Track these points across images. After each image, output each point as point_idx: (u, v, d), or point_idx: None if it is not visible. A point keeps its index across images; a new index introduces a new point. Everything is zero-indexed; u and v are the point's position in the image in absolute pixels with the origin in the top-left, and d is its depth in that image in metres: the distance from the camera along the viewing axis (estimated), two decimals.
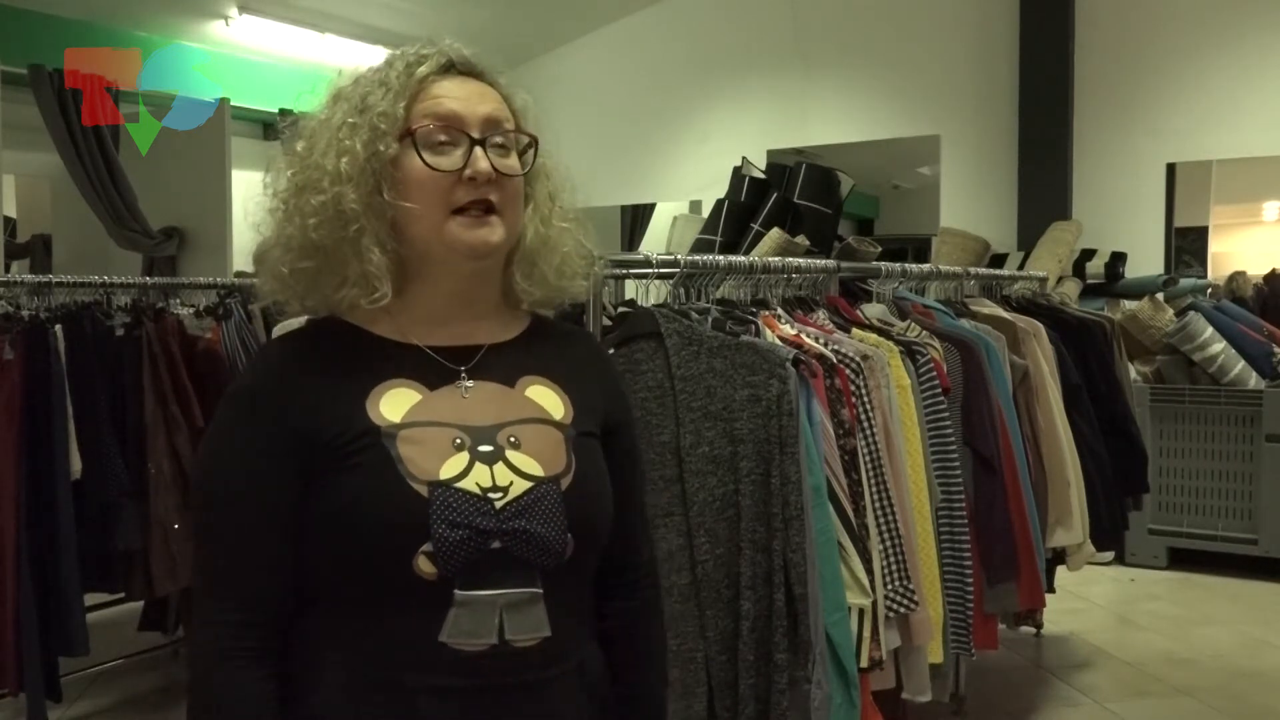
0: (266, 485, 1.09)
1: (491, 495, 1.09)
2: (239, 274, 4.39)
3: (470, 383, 1.16)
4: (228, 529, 1.10)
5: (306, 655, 1.11)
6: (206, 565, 1.11)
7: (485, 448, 1.11)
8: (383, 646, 1.09)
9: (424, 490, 1.07)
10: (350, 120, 1.13)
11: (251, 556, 1.09)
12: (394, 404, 1.12)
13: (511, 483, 1.10)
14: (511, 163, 1.16)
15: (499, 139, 1.16)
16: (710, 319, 2.20)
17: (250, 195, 1.21)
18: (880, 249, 3.70)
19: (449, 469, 1.09)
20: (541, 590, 1.10)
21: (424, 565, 1.06)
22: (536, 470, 1.12)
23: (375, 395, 1.12)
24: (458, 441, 1.11)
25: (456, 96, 1.15)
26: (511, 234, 1.17)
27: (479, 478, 1.09)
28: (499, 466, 1.11)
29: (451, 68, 1.17)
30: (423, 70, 1.15)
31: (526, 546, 1.09)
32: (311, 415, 1.10)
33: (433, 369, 1.15)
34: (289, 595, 1.11)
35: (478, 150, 1.13)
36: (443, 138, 1.13)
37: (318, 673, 1.10)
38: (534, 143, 1.19)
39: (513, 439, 1.13)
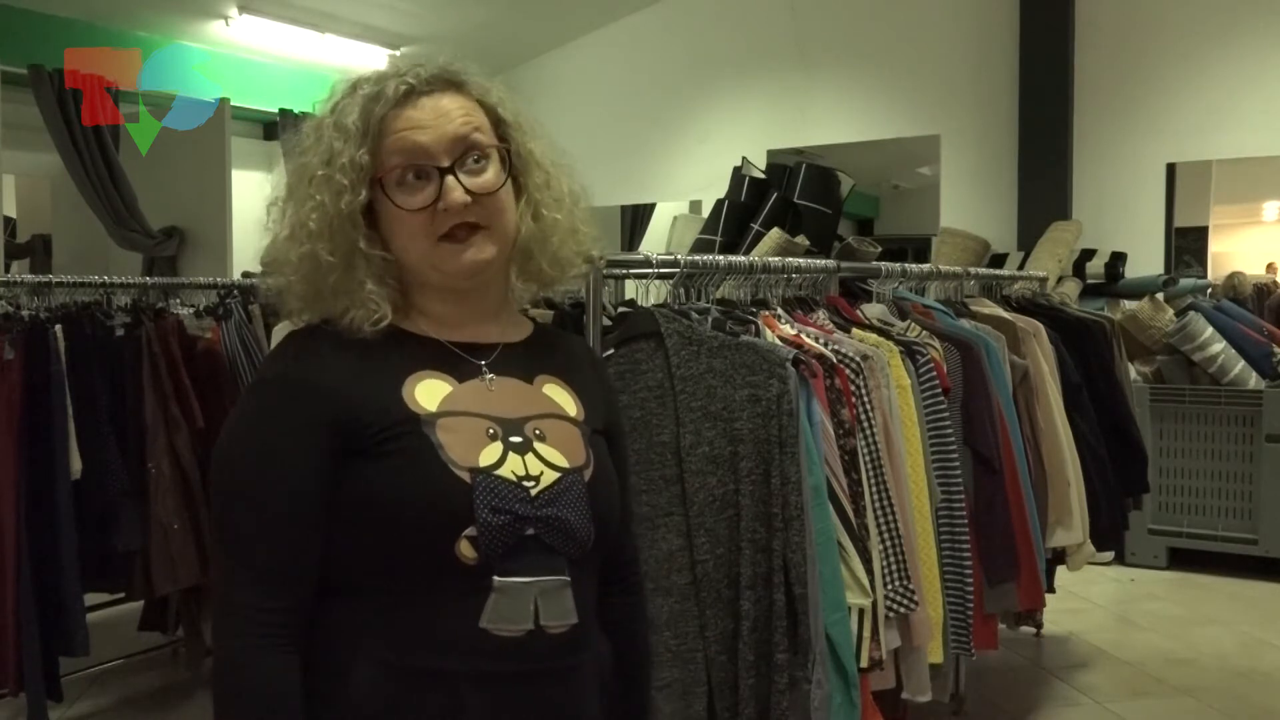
0: (299, 471, 1.10)
1: (526, 483, 1.12)
2: (245, 274, 4.37)
3: (492, 376, 1.19)
4: (258, 515, 1.10)
5: (335, 644, 1.11)
6: (235, 551, 1.11)
7: (515, 438, 1.15)
8: (423, 632, 1.10)
9: (466, 477, 1.10)
10: (321, 172, 1.14)
11: (282, 543, 1.10)
12: (428, 393, 1.14)
13: (542, 472, 1.14)
14: (488, 177, 1.16)
15: (474, 155, 1.15)
16: (710, 319, 2.20)
17: (249, 206, 1.23)
18: (880, 249, 3.69)
19: (486, 457, 1.12)
20: (569, 578, 1.14)
21: (465, 550, 1.09)
22: (562, 462, 1.16)
23: (410, 384, 1.14)
24: (491, 432, 1.14)
25: (421, 125, 1.14)
26: (504, 242, 1.18)
27: (513, 466, 1.13)
28: (529, 457, 1.14)
29: (412, 92, 1.16)
30: (380, 109, 1.14)
31: (558, 533, 1.13)
32: (348, 402, 1.11)
33: (456, 362, 1.18)
34: (316, 582, 1.11)
35: (449, 180, 1.13)
36: (413, 175, 1.14)
37: (349, 661, 1.10)
38: (506, 153, 1.19)
39: (538, 431, 1.17)
